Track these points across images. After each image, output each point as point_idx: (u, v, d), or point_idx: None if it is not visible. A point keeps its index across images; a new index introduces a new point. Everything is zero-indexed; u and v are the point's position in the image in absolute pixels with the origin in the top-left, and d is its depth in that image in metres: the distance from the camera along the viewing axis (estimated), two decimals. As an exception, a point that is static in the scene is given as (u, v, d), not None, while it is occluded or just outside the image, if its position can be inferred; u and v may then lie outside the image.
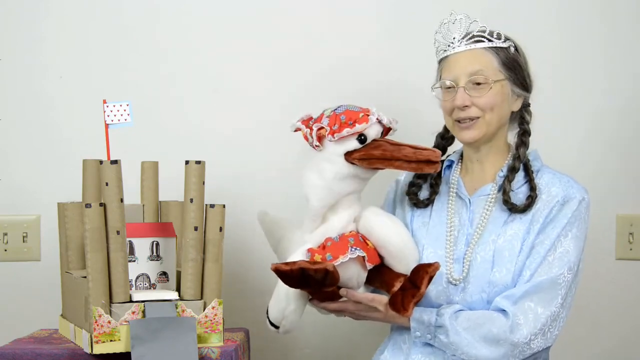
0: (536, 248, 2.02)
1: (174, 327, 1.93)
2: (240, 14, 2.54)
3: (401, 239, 2.05)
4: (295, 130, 2.07)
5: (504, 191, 2.05)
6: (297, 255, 2.00)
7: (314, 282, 1.92)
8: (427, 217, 2.14)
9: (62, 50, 2.52)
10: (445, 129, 2.18)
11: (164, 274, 2.08)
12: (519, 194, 2.07)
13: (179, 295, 1.99)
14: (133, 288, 2.05)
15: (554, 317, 1.99)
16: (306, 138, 2.05)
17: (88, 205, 1.90)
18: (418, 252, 2.08)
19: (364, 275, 2.05)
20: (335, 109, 2.02)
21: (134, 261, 2.05)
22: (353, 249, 1.99)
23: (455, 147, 2.20)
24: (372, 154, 1.99)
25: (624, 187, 2.56)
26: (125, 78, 2.52)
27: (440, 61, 2.11)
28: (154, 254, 2.07)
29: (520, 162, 2.08)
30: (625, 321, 2.58)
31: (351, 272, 2.01)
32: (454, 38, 2.07)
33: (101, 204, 1.91)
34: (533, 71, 2.11)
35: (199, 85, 2.53)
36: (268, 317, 2.07)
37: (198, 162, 1.99)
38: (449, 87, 2.07)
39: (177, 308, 1.96)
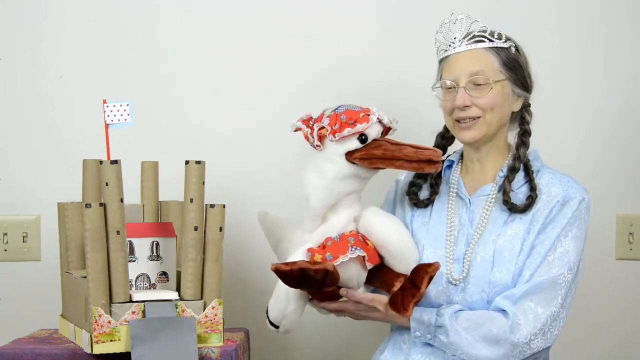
0: (536, 248, 2.02)
1: (174, 327, 1.93)
2: (240, 14, 2.54)
3: (401, 239, 2.05)
4: (296, 130, 2.07)
5: (504, 191, 2.05)
6: (297, 255, 2.00)
7: (314, 282, 1.92)
8: (427, 217, 2.14)
9: (62, 50, 2.52)
10: (446, 129, 2.18)
11: (164, 274, 2.08)
12: (519, 194, 2.07)
13: (179, 295, 1.99)
14: (133, 288, 2.05)
15: (554, 317, 1.99)
16: (307, 138, 2.05)
17: (88, 205, 1.90)
18: (418, 252, 2.08)
19: (364, 275, 2.05)
20: (336, 109, 2.02)
21: (134, 261, 2.05)
22: (353, 249, 1.99)
23: (456, 146, 2.20)
24: (373, 154, 2.00)
25: (624, 187, 2.56)
26: (125, 78, 2.52)
27: (441, 61, 2.11)
28: (154, 254, 2.07)
29: (521, 162, 2.08)
30: (625, 321, 2.58)
31: (351, 272, 2.01)
32: (454, 38, 2.07)
33: (101, 204, 1.91)
34: (533, 71, 2.11)
35: (199, 85, 2.53)
36: (268, 317, 2.07)
37: (198, 162, 1.99)
38: (450, 87, 2.07)
39: (177, 308, 1.96)
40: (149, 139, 2.49)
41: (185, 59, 2.53)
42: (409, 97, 2.48)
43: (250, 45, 2.53)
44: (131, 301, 1.94)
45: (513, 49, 2.07)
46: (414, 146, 2.00)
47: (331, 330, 2.56)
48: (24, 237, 2.53)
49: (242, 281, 2.54)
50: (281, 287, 2.02)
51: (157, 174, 2.22)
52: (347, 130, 1.98)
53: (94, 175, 2.14)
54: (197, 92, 2.54)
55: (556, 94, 2.50)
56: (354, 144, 2.00)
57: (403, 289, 2.00)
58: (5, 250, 2.53)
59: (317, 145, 2.03)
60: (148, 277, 2.07)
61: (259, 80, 2.54)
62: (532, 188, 2.06)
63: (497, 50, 2.06)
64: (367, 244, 2.03)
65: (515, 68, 2.07)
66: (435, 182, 2.15)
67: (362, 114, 1.99)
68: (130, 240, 2.03)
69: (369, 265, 2.03)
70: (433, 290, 2.06)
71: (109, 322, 1.92)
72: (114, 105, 1.99)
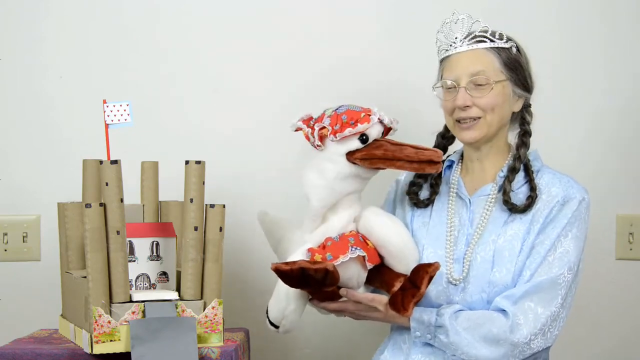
0: (536, 248, 2.02)
1: (174, 327, 1.93)
2: (240, 14, 2.54)
3: (401, 239, 2.05)
4: (296, 130, 2.07)
5: (504, 191, 2.05)
6: (297, 255, 2.00)
7: (314, 282, 1.92)
8: (427, 217, 2.14)
9: (62, 50, 2.52)
10: (446, 129, 2.18)
11: (164, 274, 2.08)
12: (519, 194, 2.07)
13: (179, 295, 1.99)
14: (133, 288, 2.05)
15: (554, 317, 1.99)
16: (307, 138, 2.05)
17: (88, 205, 1.90)
18: (418, 252, 2.08)
19: (364, 275, 2.05)
20: (337, 109, 2.02)
21: (134, 261, 2.05)
22: (353, 249, 1.99)
23: (456, 146, 2.20)
24: (373, 154, 2.00)
25: (624, 187, 2.56)
26: (125, 78, 2.52)
27: (442, 61, 2.11)
28: (154, 254, 2.07)
29: (521, 163, 2.08)
30: (625, 321, 2.58)
31: (351, 271, 2.01)
32: (455, 38, 2.07)
33: (101, 204, 1.91)
34: (534, 71, 2.11)
35: (199, 85, 2.53)
36: (268, 317, 2.07)
37: (198, 162, 1.99)
38: (450, 87, 2.07)
39: (177, 308, 1.96)
40: (149, 139, 2.49)
41: (185, 59, 2.53)
42: (409, 97, 2.48)
43: (250, 45, 2.53)
44: (131, 301, 1.94)
45: (514, 49, 2.07)
46: (414, 146, 2.00)
47: (331, 330, 2.56)
48: (24, 237, 2.53)
49: (242, 281, 2.54)
50: (281, 287, 2.02)
51: (157, 174, 2.22)
52: (348, 130, 1.98)
53: (94, 175, 2.14)
54: (197, 92, 2.54)
55: (556, 94, 2.50)
56: (355, 144, 2.00)
57: (403, 289, 2.00)
58: (5, 250, 2.53)
59: (317, 145, 2.03)
60: (148, 277, 2.07)
61: (259, 80, 2.54)
62: (532, 188, 2.06)
63: (498, 50, 2.06)
64: (367, 244, 2.03)
65: (516, 68, 2.07)
66: (436, 182, 2.15)
67: (363, 114, 1.99)
68: (130, 240, 2.03)
69: (369, 265, 2.03)
70: (433, 290, 2.06)
71: (109, 322, 1.91)
72: (114, 105, 1.99)
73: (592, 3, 2.55)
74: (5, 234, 2.52)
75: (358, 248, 2.00)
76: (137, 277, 2.05)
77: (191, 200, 1.98)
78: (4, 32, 2.51)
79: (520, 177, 2.09)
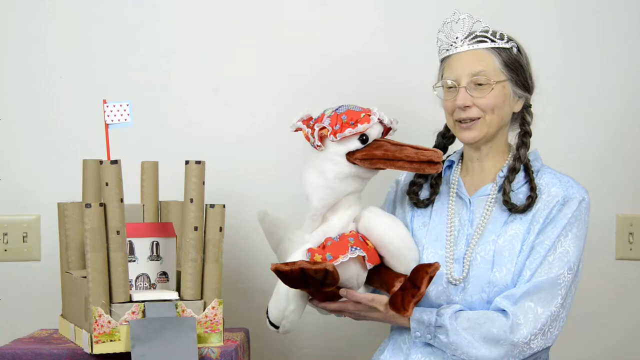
0: (536, 248, 2.02)
1: (174, 327, 1.93)
2: (240, 14, 2.54)
3: (401, 239, 2.05)
4: (296, 130, 2.07)
5: (504, 191, 2.05)
6: (297, 255, 2.00)
7: (314, 282, 1.92)
8: (427, 217, 2.14)
9: (62, 50, 2.52)
10: (446, 128, 2.18)
11: (164, 274, 2.08)
12: (519, 194, 2.07)
13: (179, 295, 1.99)
14: (133, 288, 2.05)
15: (554, 317, 1.99)
16: (307, 138, 2.04)
17: (88, 205, 1.90)
18: (418, 252, 2.08)
19: (364, 275, 2.05)
20: (336, 109, 2.02)
21: (134, 261, 2.05)
22: (353, 249, 1.99)
23: (456, 146, 2.20)
24: (374, 154, 2.00)
25: (624, 187, 2.56)
26: (125, 78, 2.52)
27: (442, 60, 2.11)
28: (154, 254, 2.07)
29: (521, 163, 2.08)
30: (625, 321, 2.58)
31: (351, 272, 2.01)
32: (456, 37, 2.07)
33: (101, 204, 1.91)
34: (534, 72, 2.11)
35: (199, 85, 2.53)
36: (268, 317, 2.07)
37: (198, 162, 1.99)
38: (451, 87, 2.07)
39: (177, 308, 1.96)
40: (149, 139, 2.49)
41: (185, 59, 2.53)
42: (409, 97, 2.48)
43: (250, 46, 2.53)
44: (131, 301, 1.94)
45: (515, 50, 2.07)
46: (414, 147, 2.00)
47: (331, 330, 2.56)
48: (24, 237, 2.53)
49: (242, 281, 2.54)
50: (281, 287, 2.02)
51: (157, 174, 2.22)
52: (348, 131, 1.98)
53: (94, 175, 2.14)
54: (197, 92, 2.54)
55: (557, 94, 2.50)
56: (355, 144, 2.00)
57: (403, 289, 2.00)
58: (5, 250, 2.53)
59: (317, 146, 2.03)
60: (148, 277, 2.07)
61: (259, 80, 2.54)
62: (532, 188, 2.06)
63: (499, 50, 2.06)
64: (367, 244, 2.03)
65: (517, 69, 2.07)
66: (436, 182, 2.15)
67: (363, 114, 1.99)
68: (130, 240, 2.03)
69: (369, 266, 2.03)
70: (433, 290, 2.06)
71: (109, 322, 1.91)
72: (114, 105, 1.99)
73: (593, 3, 2.55)
74: (5, 234, 2.52)
75: (358, 248, 2.00)
76: (137, 277, 2.05)
77: (191, 200, 1.98)
78: (4, 32, 2.51)
79: (520, 177, 2.09)
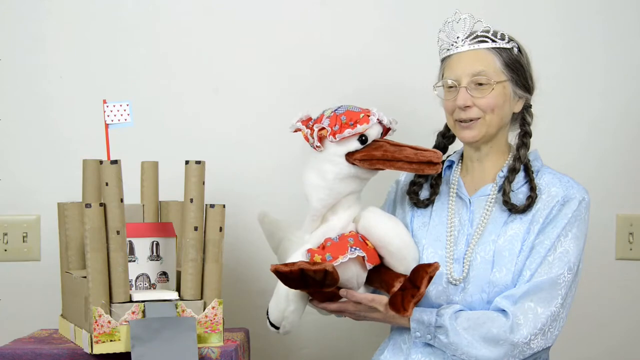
0: (536, 248, 2.02)
1: (174, 327, 1.93)
2: (240, 14, 2.54)
3: (401, 239, 2.05)
4: (295, 131, 2.07)
5: (504, 192, 2.05)
6: (297, 255, 2.00)
7: (314, 282, 1.92)
8: (427, 217, 2.14)
9: (62, 50, 2.52)
10: (447, 128, 2.18)
11: (164, 274, 2.08)
12: (519, 194, 2.07)
13: (179, 295, 1.99)
14: (133, 288, 2.05)
15: (554, 317, 1.99)
16: (307, 139, 2.04)
17: (88, 205, 1.90)
18: (418, 252, 2.08)
19: (364, 275, 2.04)
20: (336, 110, 2.02)
21: (134, 261, 2.05)
22: (353, 249, 1.99)
23: (456, 146, 2.20)
24: (373, 155, 1.99)
25: (624, 187, 2.56)
26: (125, 78, 2.52)
27: (443, 60, 2.11)
28: (154, 254, 2.07)
29: (521, 164, 2.08)
30: (625, 321, 2.58)
31: (351, 272, 2.01)
32: (457, 37, 2.07)
33: (101, 204, 1.91)
34: (535, 72, 2.11)
35: (199, 85, 2.53)
36: (268, 318, 2.07)
37: (198, 162, 1.99)
38: (451, 87, 2.07)
39: (177, 308, 1.96)
40: (149, 139, 2.49)
41: (185, 59, 2.53)
42: (408, 97, 2.48)
43: (250, 45, 2.53)
44: (131, 301, 1.94)
45: (515, 50, 2.07)
46: (414, 147, 2.00)
47: (331, 330, 2.56)
48: (24, 237, 2.53)
49: (242, 281, 2.54)
50: (281, 288, 2.02)
51: (157, 174, 2.22)
52: (347, 131, 1.98)
53: (94, 175, 2.14)
54: (197, 92, 2.54)
55: (557, 94, 2.50)
56: (354, 145, 2.00)
57: (403, 289, 2.00)
58: (5, 250, 2.53)
59: (317, 146, 2.03)
60: (148, 277, 2.07)
61: (259, 80, 2.54)
62: (532, 188, 2.06)
63: (500, 50, 2.05)
64: (367, 245, 2.03)
65: (517, 69, 2.06)
66: (436, 182, 2.15)
67: (362, 115, 1.99)
68: (130, 240, 2.03)
69: (369, 266, 2.03)
70: (433, 290, 2.06)
71: (109, 322, 1.92)
72: (114, 105, 1.99)
73: (593, 3, 2.55)
74: (5, 234, 2.52)
75: (357, 248, 2.00)
76: (137, 277, 2.05)
77: (191, 200, 1.98)
78: (4, 32, 2.51)
79: (520, 177, 2.09)
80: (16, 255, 2.53)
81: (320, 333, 2.56)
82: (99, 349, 1.91)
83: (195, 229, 1.98)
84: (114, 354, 1.93)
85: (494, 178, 2.11)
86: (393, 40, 2.54)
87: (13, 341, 2.09)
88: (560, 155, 2.41)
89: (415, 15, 2.53)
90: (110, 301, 1.92)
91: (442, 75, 2.11)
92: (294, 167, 2.26)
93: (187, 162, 2.00)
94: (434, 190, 2.15)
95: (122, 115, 1.99)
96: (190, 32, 2.53)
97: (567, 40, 2.55)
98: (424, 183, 2.17)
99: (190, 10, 2.53)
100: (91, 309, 1.91)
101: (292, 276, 1.91)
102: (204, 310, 1.98)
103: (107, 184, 1.91)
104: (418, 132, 2.23)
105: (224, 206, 2.00)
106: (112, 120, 1.99)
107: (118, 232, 1.92)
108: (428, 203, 2.15)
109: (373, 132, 2.01)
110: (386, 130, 2.05)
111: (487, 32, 2.06)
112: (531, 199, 2.04)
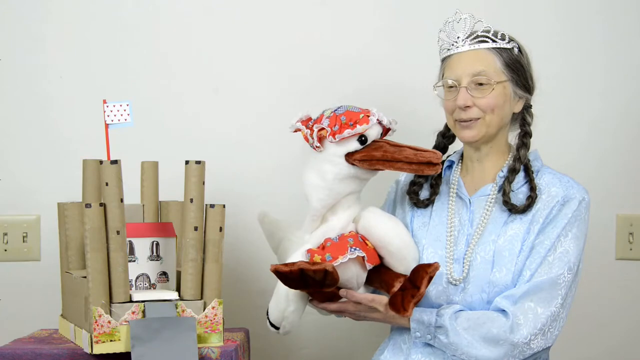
0: (536, 248, 2.02)
1: (174, 327, 1.93)
2: (240, 14, 2.54)
3: (401, 239, 2.05)
4: (295, 131, 2.07)
5: (504, 192, 2.05)
6: (297, 255, 2.00)
7: (314, 282, 1.92)
8: (427, 217, 2.14)
9: (62, 50, 2.52)
10: (447, 128, 2.18)
11: (164, 274, 2.08)
12: (519, 194, 2.07)
13: (179, 295, 1.99)
14: (133, 288, 2.05)
15: (554, 317, 1.99)
16: (306, 139, 2.04)
17: (88, 205, 1.90)
18: (418, 252, 2.08)
19: (364, 275, 2.04)
20: (335, 110, 2.02)
21: (134, 261, 2.05)
22: (352, 249, 1.99)
23: (456, 146, 2.20)
24: (373, 155, 1.99)
25: (624, 187, 2.56)
26: (125, 78, 2.52)
27: (443, 60, 2.11)
28: (154, 254, 2.07)
29: (521, 164, 2.08)
30: (625, 321, 2.58)
31: (351, 272, 2.01)
32: (458, 37, 2.07)
33: (101, 204, 1.91)
34: (535, 72, 2.11)
35: (199, 85, 2.54)
36: (268, 318, 2.07)
37: (198, 162, 1.99)
38: (451, 87, 2.07)
39: (177, 308, 1.96)
40: (149, 139, 2.49)
41: (185, 59, 2.53)
42: (408, 97, 2.48)
43: (250, 45, 2.53)
44: (131, 301, 1.94)
45: (516, 50, 2.07)
46: (413, 148, 2.00)
47: (331, 330, 2.56)
48: (24, 237, 2.53)
49: (242, 281, 2.54)
50: (281, 288, 2.02)
51: (157, 174, 2.22)
52: (347, 132, 1.98)
53: (94, 175, 2.14)
54: (197, 92, 2.54)
55: (557, 94, 2.50)
56: (354, 145, 2.00)
57: (403, 289, 2.00)
58: (5, 250, 2.53)
59: (316, 146, 2.03)
60: (148, 277, 2.07)
61: (259, 80, 2.54)
62: (532, 188, 2.06)
63: (500, 51, 2.05)
64: (367, 245, 2.03)
65: (518, 69, 2.06)
66: (436, 182, 2.15)
67: (361, 115, 1.99)
68: (130, 240, 2.03)
69: (369, 266, 2.03)
70: (433, 290, 2.06)
71: (109, 322, 1.92)
72: (114, 105, 1.99)
73: (593, 3, 2.55)
74: (5, 234, 2.52)
75: (357, 249, 2.00)
76: (137, 277, 2.05)
77: (191, 200, 1.98)
78: (4, 32, 2.51)
79: (520, 177, 2.09)
80: (16, 255, 2.53)
81: (320, 333, 2.56)
82: (99, 349, 1.91)
83: (195, 229, 1.98)
84: (114, 354, 1.93)
85: (494, 178, 2.11)
86: (393, 40, 2.54)
87: (13, 341, 2.09)
88: (560, 155, 2.41)
89: (415, 15, 2.53)
90: (110, 301, 1.92)
91: (442, 75, 2.11)
92: (294, 167, 2.26)
93: (187, 162, 2.00)
94: (434, 190, 2.15)
95: (122, 115, 1.99)
96: (190, 32, 2.53)
97: (567, 40, 2.55)
98: (424, 183, 2.17)
99: (190, 10, 2.53)
100: (91, 309, 1.91)
101: (292, 276, 1.91)
102: (204, 310, 1.98)
103: (107, 184, 1.91)
104: (418, 132, 2.23)
105: (224, 206, 2.00)
106: (112, 120, 1.99)
107: (118, 232, 1.92)
108: (428, 203, 2.15)
109: (373, 133, 2.01)
110: (386, 130, 2.05)
111: (488, 32, 2.06)
112: (531, 199, 2.04)
